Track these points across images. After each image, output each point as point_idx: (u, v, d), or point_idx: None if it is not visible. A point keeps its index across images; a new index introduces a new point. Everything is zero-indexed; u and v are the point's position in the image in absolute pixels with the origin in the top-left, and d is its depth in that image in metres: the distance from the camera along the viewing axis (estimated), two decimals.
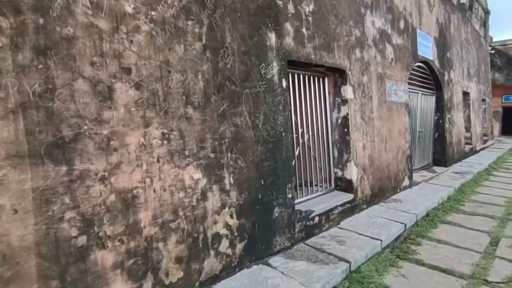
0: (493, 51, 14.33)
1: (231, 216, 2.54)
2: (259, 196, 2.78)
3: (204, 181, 2.35)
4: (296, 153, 3.66)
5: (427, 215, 4.35)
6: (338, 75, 4.09)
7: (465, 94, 9.37)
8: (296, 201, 3.48)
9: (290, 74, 3.46)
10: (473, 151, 9.75)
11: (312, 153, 3.94)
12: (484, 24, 12.21)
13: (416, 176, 6.30)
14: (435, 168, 7.36)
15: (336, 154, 4.20)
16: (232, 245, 2.54)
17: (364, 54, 4.38)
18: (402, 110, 5.39)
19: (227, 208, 2.51)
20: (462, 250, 3.43)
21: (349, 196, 3.98)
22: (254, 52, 2.77)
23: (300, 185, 3.76)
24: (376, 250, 3.16)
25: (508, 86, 15.19)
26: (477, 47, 10.78)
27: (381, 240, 3.24)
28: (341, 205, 3.80)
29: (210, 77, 2.42)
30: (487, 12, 12.18)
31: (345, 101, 4.06)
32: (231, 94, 2.57)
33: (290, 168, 3.10)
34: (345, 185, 4.15)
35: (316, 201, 3.73)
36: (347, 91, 4.04)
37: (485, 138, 11.69)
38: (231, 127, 2.56)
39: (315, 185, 4.01)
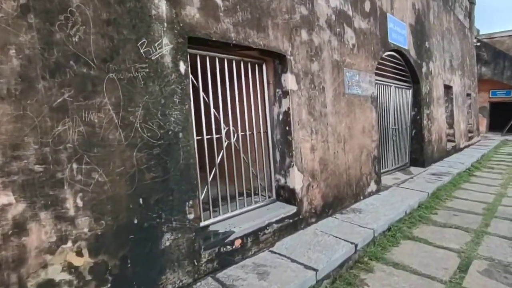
0: (479, 44, 13.72)
1: (79, 254, 1.78)
2: (135, 221, 2.02)
3: (19, 207, 1.58)
4: (219, 158, 2.91)
5: (389, 229, 3.64)
6: (278, 61, 3.34)
7: (448, 88, 8.72)
8: (209, 221, 2.74)
9: (199, 57, 2.71)
10: (456, 149, 9.11)
11: (244, 157, 3.19)
12: (469, 15, 11.57)
13: (387, 179, 5.61)
14: (412, 169, 6.69)
15: (278, 158, 3.46)
16: None
17: (313, 37, 3.63)
18: (367, 104, 4.67)
19: (70, 243, 1.75)
20: (422, 279, 2.73)
21: (290, 209, 3.25)
22: (126, 23, 2.01)
23: (224, 199, 3.02)
24: (309, 285, 2.43)
25: (496, 80, 14.62)
26: (461, 39, 10.13)
27: (317, 270, 2.51)
28: (278, 221, 3.06)
29: (36, 53, 1.64)
30: (472, 2, 11.54)
31: (286, 93, 3.31)
32: (81, 79, 1.80)
33: (191, 180, 2.35)
34: (287, 195, 3.41)
35: (242, 218, 2.98)
36: (288, 81, 3.30)
37: (470, 135, 11.09)
38: (79, 127, 1.79)
39: (248, 196, 3.27)
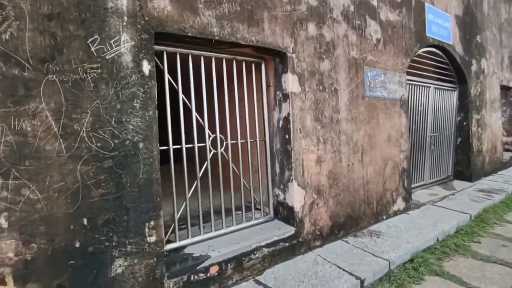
0: None
1: (2, 282, 1.55)
2: (76, 244, 1.76)
3: None
4: (202, 170, 2.58)
5: (411, 260, 3.02)
6: (279, 59, 2.92)
7: (506, 89, 7.50)
8: (185, 242, 2.42)
9: (179, 55, 2.40)
10: None
11: (235, 169, 2.82)
12: None
13: (422, 195, 4.86)
14: (456, 183, 5.78)
15: (277, 170, 3.03)
16: None
17: (324, 31, 3.14)
18: (395, 108, 4.02)
19: None
20: None
21: (287, 231, 2.81)
22: (74, 17, 1.75)
23: (207, 216, 2.68)
24: None
25: None
26: None
27: None
28: (270, 245, 2.64)
29: None
30: None
31: (286, 96, 2.88)
32: (11, 82, 1.58)
33: (153, 197, 2.04)
34: (286, 214, 2.97)
35: (227, 240, 2.61)
36: (288, 82, 2.86)
37: None
38: (7, 136, 1.56)
39: (238, 213, 2.89)
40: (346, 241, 3.20)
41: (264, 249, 2.61)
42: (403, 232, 3.42)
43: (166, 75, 2.35)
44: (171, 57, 2.38)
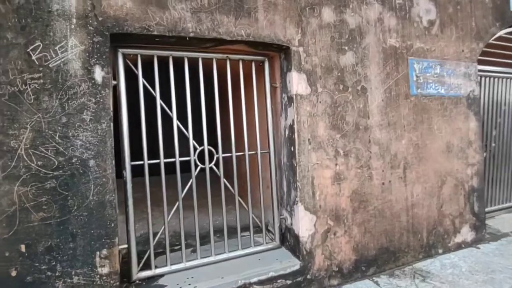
0: None
1: None
2: (13, 273, 1.60)
3: None
4: (185, 189, 2.25)
5: None
6: (284, 55, 2.43)
7: None
8: (161, 270, 2.13)
9: (156, 57, 2.11)
10: None
11: (229, 186, 2.42)
12: None
13: (506, 222, 3.69)
14: None
15: (285, 188, 2.53)
16: None
17: (346, 16, 2.52)
18: (458, 109, 3.09)
19: None
20: None
21: (291, 264, 2.29)
22: (12, 24, 1.60)
23: (202, 238, 2.33)
24: None
25: None
26: None
27: None
28: (265, 282, 2.16)
29: None
30: None
31: (291, 100, 2.36)
32: None
33: (107, 223, 1.78)
34: (292, 242, 2.45)
35: (211, 271, 2.22)
36: (293, 82, 2.34)
37: None
38: None
39: (232, 238, 2.47)
40: (376, 282, 2.50)
41: (255, 286, 2.14)
42: (463, 276, 2.55)
43: (141, 80, 2.10)
44: (147, 59, 2.12)
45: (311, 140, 2.37)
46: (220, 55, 2.33)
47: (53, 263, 1.67)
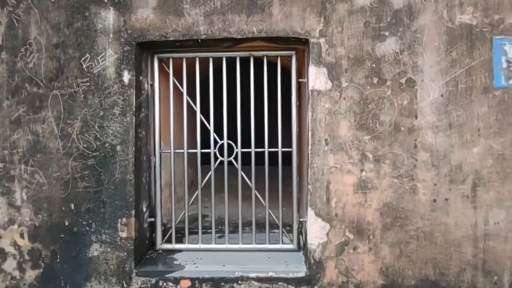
0: None
1: (22, 236, 2.23)
2: (66, 223, 2.22)
3: None
4: (205, 180, 2.47)
5: None
6: (308, 49, 2.27)
7: None
8: (179, 246, 2.45)
9: (185, 60, 2.41)
10: None
11: (247, 180, 2.48)
12: None
13: None
14: None
15: (305, 189, 2.39)
16: (21, 269, 2.23)
17: None
18: None
19: (16, 226, 2.23)
20: None
21: (297, 270, 2.18)
22: (72, 42, 2.19)
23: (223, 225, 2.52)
24: None
25: None
26: None
27: None
28: (264, 280, 2.15)
29: (4, 81, 2.22)
30: None
31: (309, 96, 2.20)
32: (32, 97, 2.21)
33: (126, 197, 2.19)
34: (305, 249, 2.29)
35: (219, 257, 2.35)
36: (311, 77, 2.16)
37: None
38: (27, 136, 2.21)
39: (245, 232, 2.50)
40: None
41: (253, 282, 2.16)
42: None
43: (171, 79, 2.44)
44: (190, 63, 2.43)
45: (328, 141, 2.14)
46: (242, 53, 2.40)
47: (90, 221, 2.21)
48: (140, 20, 2.18)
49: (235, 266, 2.23)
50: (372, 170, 2.13)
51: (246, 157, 2.46)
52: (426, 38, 2.10)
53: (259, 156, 2.46)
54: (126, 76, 2.18)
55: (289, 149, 2.45)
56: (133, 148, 2.20)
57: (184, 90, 2.43)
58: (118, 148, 2.19)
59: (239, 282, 2.16)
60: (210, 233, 2.52)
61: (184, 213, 2.49)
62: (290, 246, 2.45)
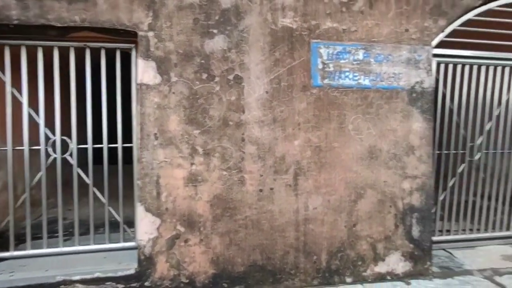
0: None
1: None
2: None
3: None
4: (36, 177, 2.27)
5: None
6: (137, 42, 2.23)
7: None
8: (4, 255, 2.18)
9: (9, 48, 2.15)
10: None
11: (85, 177, 2.35)
12: None
13: (482, 256, 2.83)
14: None
15: (139, 184, 2.34)
16: None
17: None
18: (392, 105, 2.44)
19: None
20: None
21: (125, 268, 2.13)
22: None
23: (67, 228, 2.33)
24: None
25: None
26: None
27: None
28: (90, 282, 2.05)
29: None
30: None
31: (142, 88, 2.16)
32: None
33: None
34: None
35: (46, 262, 2.19)
36: (139, 70, 2.14)
37: None
38: None
39: (98, 233, 2.38)
40: None
41: (78, 285, 2.05)
42: None
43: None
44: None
45: (158, 135, 2.14)
46: (76, 44, 2.26)
47: None
48: None
49: (59, 270, 2.09)
50: (202, 163, 2.19)
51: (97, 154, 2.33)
52: (252, 38, 2.24)
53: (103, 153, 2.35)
54: None
55: (130, 145, 2.39)
56: None
57: (8, 80, 2.19)
58: None
59: (61, 287, 2.02)
60: (57, 237, 2.32)
61: (9, 219, 2.24)
62: (132, 244, 2.39)
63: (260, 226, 2.27)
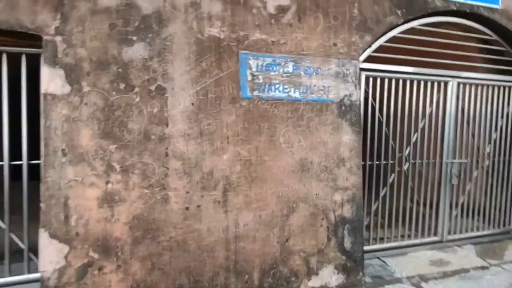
0: None
1: None
2: None
3: None
4: None
5: None
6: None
7: None
8: None
9: None
10: None
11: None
12: None
13: (411, 262, 2.92)
14: None
15: (43, 207, 2.08)
16: None
17: (138, 0, 2.04)
18: (322, 117, 2.45)
19: None
20: None
21: None
22: None
23: None
24: None
25: None
26: None
27: None
28: None
29: None
30: None
31: (47, 99, 1.93)
32: None
33: None
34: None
35: None
36: (45, 78, 1.91)
37: None
38: None
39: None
40: None
41: None
42: None
43: None
44: None
45: (66, 151, 1.91)
46: None
47: None
48: None
49: None
50: (120, 181, 2.00)
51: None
52: (176, 47, 2.12)
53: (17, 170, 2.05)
54: None
55: (38, 162, 2.12)
56: None
57: None
58: None
59: None
60: None
61: None
62: (39, 275, 2.10)
63: (186, 247, 2.12)
